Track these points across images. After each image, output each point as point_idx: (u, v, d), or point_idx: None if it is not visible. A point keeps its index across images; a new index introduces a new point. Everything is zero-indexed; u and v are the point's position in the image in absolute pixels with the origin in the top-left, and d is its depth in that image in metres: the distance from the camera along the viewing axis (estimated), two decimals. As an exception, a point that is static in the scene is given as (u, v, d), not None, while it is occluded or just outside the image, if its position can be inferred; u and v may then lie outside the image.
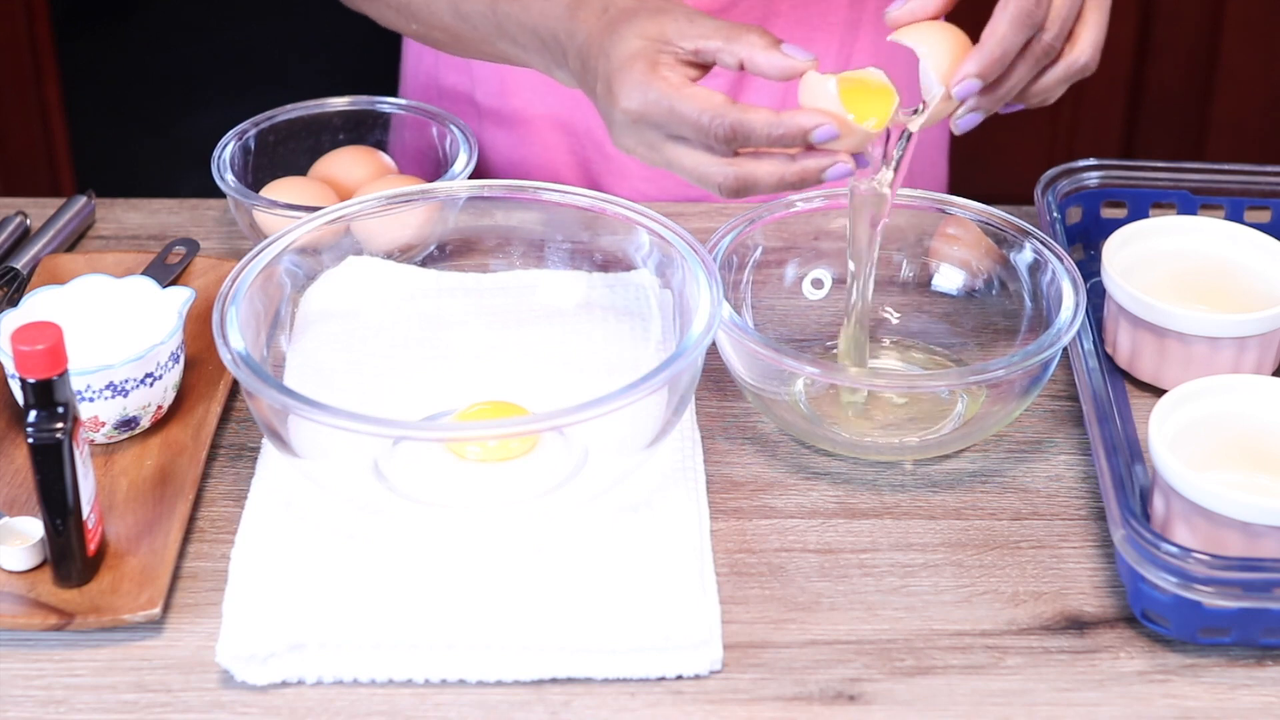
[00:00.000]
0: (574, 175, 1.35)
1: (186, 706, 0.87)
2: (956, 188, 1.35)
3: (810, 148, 0.96)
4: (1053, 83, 1.02)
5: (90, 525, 0.92)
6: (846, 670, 0.90)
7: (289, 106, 1.26)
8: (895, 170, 1.01)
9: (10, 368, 0.99)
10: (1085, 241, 1.20)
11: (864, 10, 1.31)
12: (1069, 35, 1.01)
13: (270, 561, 0.92)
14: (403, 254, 1.13)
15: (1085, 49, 1.01)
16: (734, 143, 0.96)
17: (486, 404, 1.02)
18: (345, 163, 1.24)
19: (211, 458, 1.03)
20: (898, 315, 1.14)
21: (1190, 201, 1.20)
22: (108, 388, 0.99)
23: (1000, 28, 0.97)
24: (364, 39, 3.22)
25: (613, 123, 1.00)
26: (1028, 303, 1.09)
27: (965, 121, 1.00)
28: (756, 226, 1.11)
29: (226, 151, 1.20)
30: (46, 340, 0.87)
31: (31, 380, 0.87)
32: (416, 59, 1.41)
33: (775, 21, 1.28)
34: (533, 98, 1.33)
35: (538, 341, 1.08)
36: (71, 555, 0.91)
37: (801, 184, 0.97)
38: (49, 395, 0.88)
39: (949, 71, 0.98)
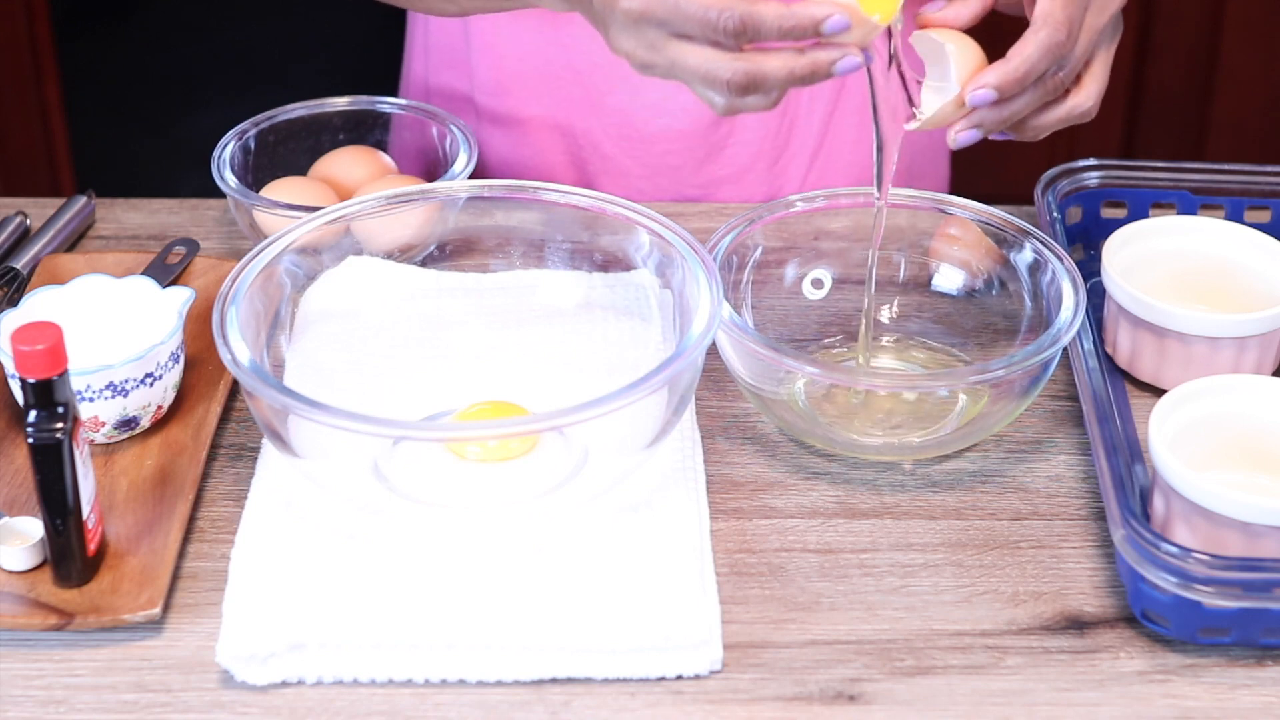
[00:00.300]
0: (570, 176, 1.35)
1: (186, 706, 0.87)
2: (956, 188, 1.36)
3: (818, 43, 0.94)
4: (1052, 121, 1.03)
5: (90, 525, 0.92)
6: (846, 670, 0.90)
7: (289, 106, 1.26)
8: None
9: (10, 368, 0.99)
10: (1085, 241, 1.20)
11: None
12: (1077, 79, 1.02)
13: (270, 561, 0.92)
14: (403, 254, 1.13)
15: (1090, 95, 1.03)
16: (743, 36, 0.93)
17: (486, 404, 1.02)
18: (345, 163, 1.24)
19: (211, 458, 1.03)
20: (898, 315, 1.14)
21: (1190, 201, 1.20)
22: (108, 388, 0.99)
23: (1029, 49, 0.97)
24: (364, 39, 3.23)
25: (611, 24, 0.97)
26: (1028, 303, 1.09)
27: (964, 136, 1.00)
28: (756, 226, 1.10)
29: (226, 151, 1.20)
30: (46, 340, 0.87)
31: (31, 380, 0.87)
32: (418, 58, 1.41)
33: None
34: (530, 98, 1.33)
35: (538, 341, 1.08)
36: (71, 555, 0.91)
37: (812, 77, 0.95)
38: (49, 395, 0.88)
39: (968, 77, 0.99)
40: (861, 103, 1.32)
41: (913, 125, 1.00)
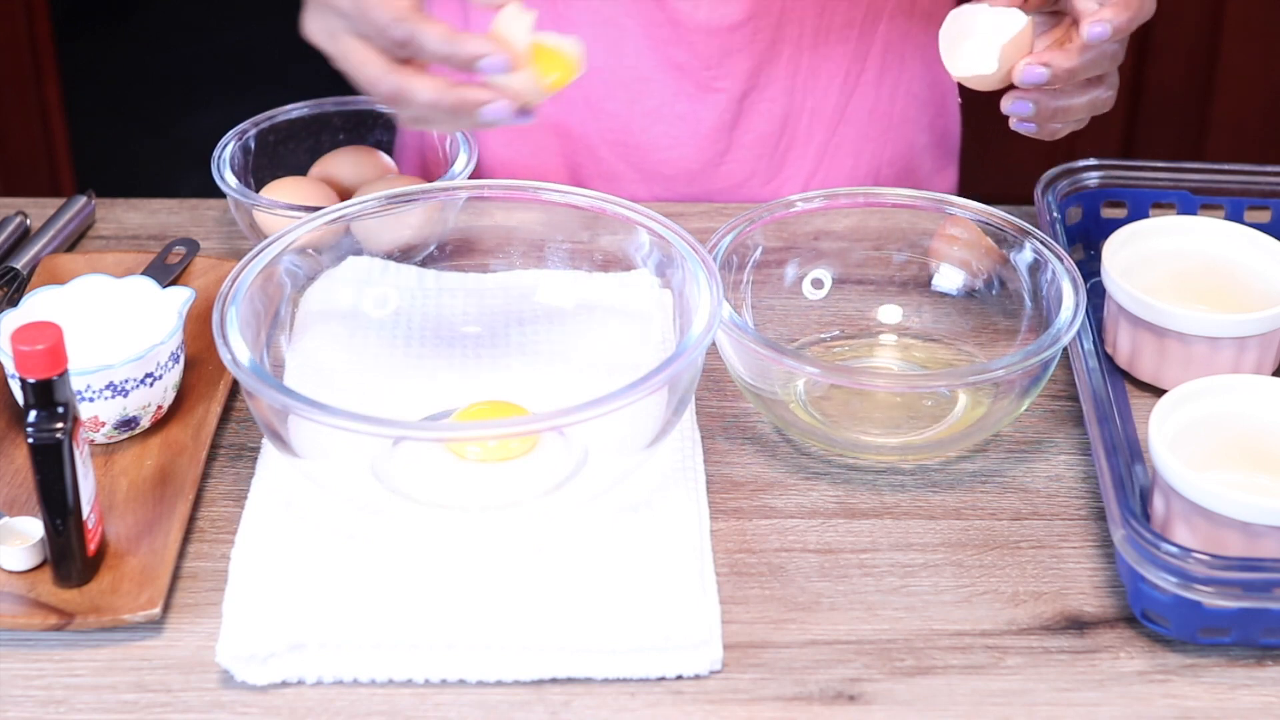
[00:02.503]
0: (563, 179, 1.34)
1: (186, 706, 0.87)
2: (956, 188, 1.36)
3: (477, 81, 0.96)
4: (1078, 107, 1.06)
5: (90, 525, 0.92)
6: (846, 670, 0.90)
7: (289, 106, 1.26)
8: None
9: (10, 368, 0.99)
10: (1085, 241, 1.20)
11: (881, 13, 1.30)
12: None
13: (270, 561, 0.92)
14: (403, 254, 1.13)
15: (1113, 84, 1.07)
16: (406, 49, 0.96)
17: (486, 403, 1.02)
18: (345, 163, 1.24)
19: (211, 458, 1.03)
20: (898, 315, 1.14)
21: (1190, 201, 1.20)
22: (108, 388, 0.99)
23: (1090, 52, 1.03)
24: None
25: (308, 4, 1.02)
26: (1028, 303, 1.09)
27: (1018, 106, 1.03)
28: (756, 226, 1.11)
29: (226, 151, 1.20)
30: (46, 340, 0.87)
31: (31, 380, 0.87)
32: None
33: (788, 27, 1.28)
34: None
35: (538, 341, 1.08)
36: (71, 555, 0.91)
37: (457, 111, 0.96)
38: (49, 395, 0.88)
39: (1023, 49, 1.02)
40: (864, 120, 1.32)
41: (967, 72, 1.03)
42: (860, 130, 1.32)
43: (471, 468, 0.98)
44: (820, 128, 1.32)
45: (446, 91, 0.96)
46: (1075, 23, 1.04)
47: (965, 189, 1.23)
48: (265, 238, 1.04)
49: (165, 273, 1.15)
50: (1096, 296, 1.12)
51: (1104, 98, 1.07)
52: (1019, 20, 1.03)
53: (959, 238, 1.14)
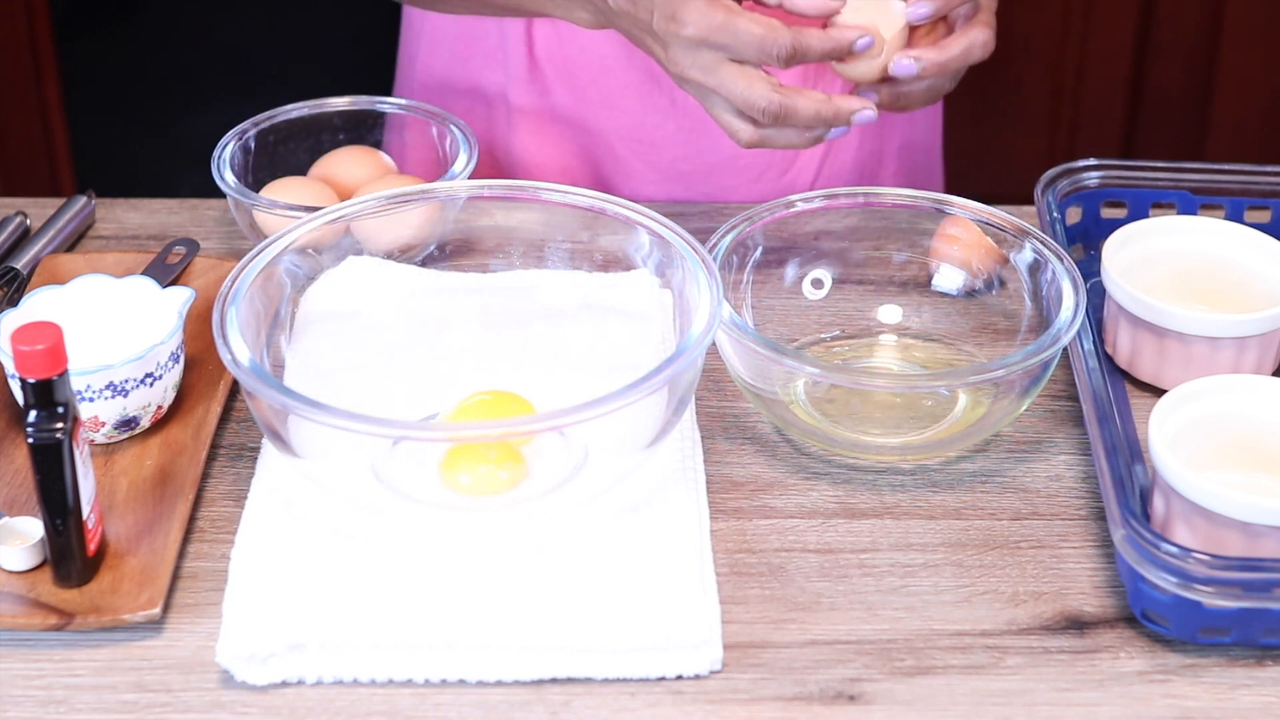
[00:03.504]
0: (585, 176, 1.34)
1: (186, 706, 0.87)
2: (956, 188, 1.36)
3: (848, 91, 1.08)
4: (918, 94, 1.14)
5: (90, 525, 0.92)
6: (846, 670, 0.90)
7: (289, 106, 1.26)
8: None
9: (10, 368, 0.99)
10: (1085, 241, 1.20)
11: None
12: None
13: (270, 561, 0.92)
14: (403, 254, 1.13)
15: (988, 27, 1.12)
16: (794, 59, 1.05)
17: (487, 393, 1.02)
18: (345, 163, 1.24)
19: (211, 458, 1.03)
20: (898, 315, 1.14)
21: (1190, 201, 1.20)
22: (108, 388, 0.99)
23: (955, 51, 1.10)
24: (364, 39, 3.23)
25: (671, 46, 1.07)
26: (1028, 303, 1.09)
27: (862, 117, 1.09)
28: (756, 226, 1.10)
29: (226, 151, 1.20)
30: (46, 340, 0.87)
31: (31, 380, 0.87)
32: (424, 51, 1.40)
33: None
34: (554, 90, 1.32)
35: (538, 341, 1.08)
36: (71, 555, 0.91)
37: (835, 119, 1.07)
38: (49, 395, 0.88)
39: (898, 44, 1.10)
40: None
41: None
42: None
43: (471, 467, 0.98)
44: None
45: (826, 105, 1.07)
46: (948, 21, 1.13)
47: (965, 189, 1.22)
48: (265, 238, 1.04)
49: (165, 273, 1.15)
50: (1096, 296, 1.12)
51: (982, 39, 1.12)
52: (898, 16, 1.10)
53: (959, 238, 1.14)
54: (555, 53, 1.31)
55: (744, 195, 1.34)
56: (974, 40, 1.10)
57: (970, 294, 1.13)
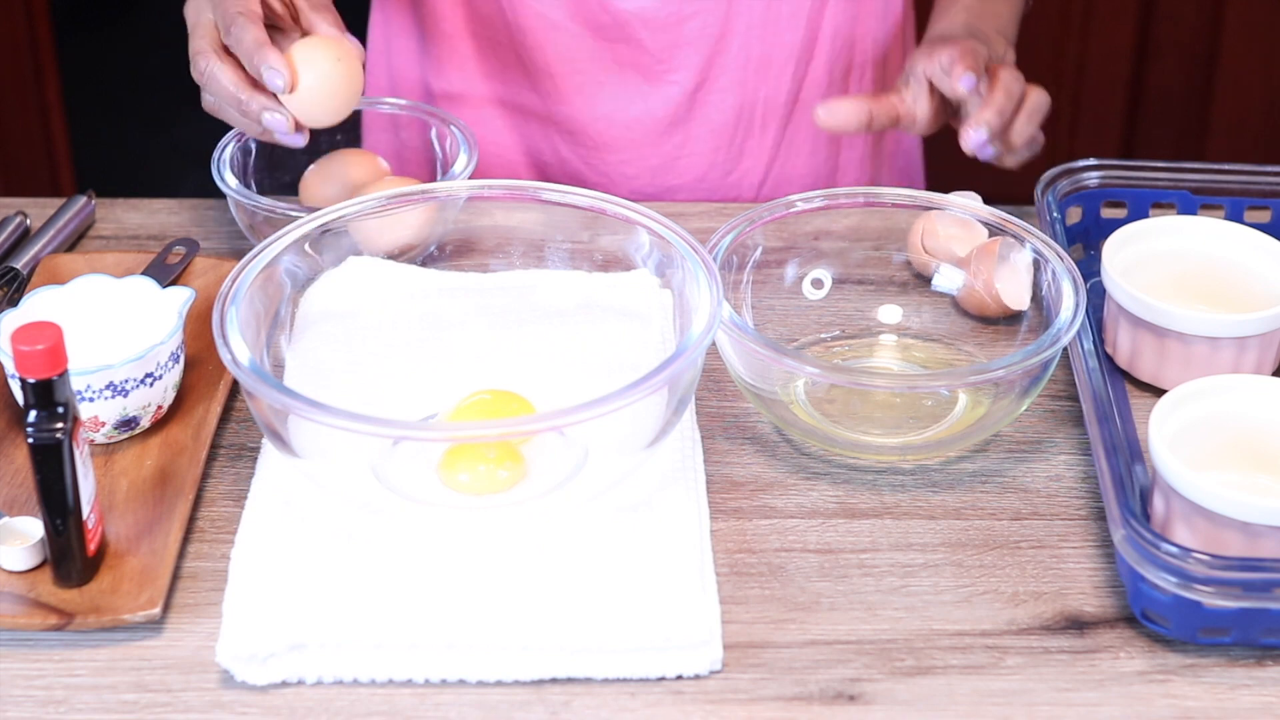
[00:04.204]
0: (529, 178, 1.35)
1: (186, 706, 0.87)
2: (955, 187, 1.36)
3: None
4: (1021, 124, 1.16)
5: (90, 525, 0.92)
6: (846, 670, 0.90)
7: (289, 107, 1.25)
8: None
9: (10, 368, 0.99)
10: (1085, 241, 1.20)
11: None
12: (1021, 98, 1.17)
13: (270, 561, 0.92)
14: (403, 254, 1.13)
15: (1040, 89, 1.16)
16: (228, 38, 1.08)
17: (487, 393, 1.02)
18: (344, 163, 1.23)
19: (211, 458, 1.03)
20: (898, 315, 1.14)
21: (1190, 201, 1.20)
22: (108, 388, 0.99)
23: (998, 96, 1.13)
24: (363, 39, 3.23)
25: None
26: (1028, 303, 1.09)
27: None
28: (756, 226, 1.10)
29: (226, 151, 1.20)
30: (46, 340, 0.87)
31: (31, 380, 0.87)
32: (380, 52, 1.41)
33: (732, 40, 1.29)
34: (490, 100, 1.33)
35: (538, 341, 1.08)
36: (71, 555, 0.91)
37: (243, 110, 1.09)
38: (49, 395, 0.88)
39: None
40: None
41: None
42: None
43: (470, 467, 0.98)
44: (774, 118, 1.33)
45: (243, 89, 1.08)
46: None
47: (966, 189, 1.22)
48: (266, 238, 1.04)
49: (165, 273, 1.15)
50: (1096, 296, 1.12)
51: (1041, 98, 1.17)
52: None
53: (958, 237, 1.14)
54: (495, 60, 1.31)
55: (692, 195, 1.34)
56: (1000, 80, 1.13)
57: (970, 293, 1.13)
